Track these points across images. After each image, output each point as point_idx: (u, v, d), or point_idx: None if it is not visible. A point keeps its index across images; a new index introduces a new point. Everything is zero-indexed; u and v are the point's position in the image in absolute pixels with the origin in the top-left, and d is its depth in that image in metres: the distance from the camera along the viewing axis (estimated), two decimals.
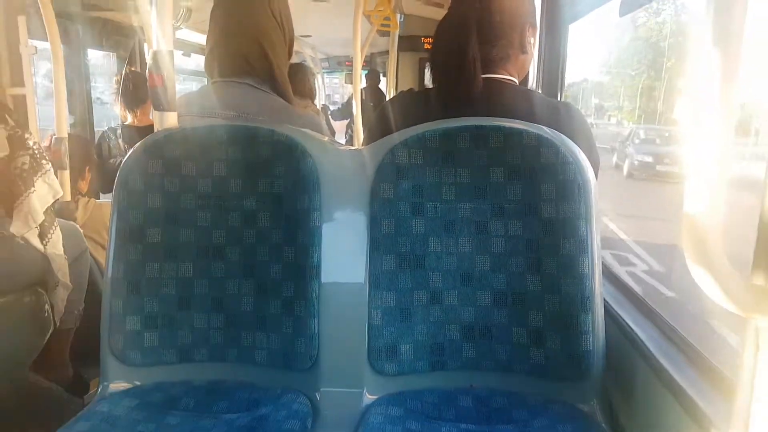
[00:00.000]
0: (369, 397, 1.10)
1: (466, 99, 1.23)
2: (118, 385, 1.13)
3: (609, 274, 1.30)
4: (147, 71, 1.21)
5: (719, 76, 0.53)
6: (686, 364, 0.90)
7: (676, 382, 0.86)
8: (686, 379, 0.85)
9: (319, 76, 7.17)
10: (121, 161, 1.20)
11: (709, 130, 0.54)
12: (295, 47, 1.69)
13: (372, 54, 6.04)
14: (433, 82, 1.31)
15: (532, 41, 1.33)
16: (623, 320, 1.09)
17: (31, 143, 1.54)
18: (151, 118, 2.87)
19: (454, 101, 1.24)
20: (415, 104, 1.37)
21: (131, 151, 1.17)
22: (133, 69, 3.03)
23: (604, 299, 1.10)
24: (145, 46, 3.23)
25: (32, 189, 1.52)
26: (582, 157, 1.08)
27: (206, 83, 1.54)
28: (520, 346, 1.10)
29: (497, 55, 1.25)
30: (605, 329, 1.06)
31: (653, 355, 0.95)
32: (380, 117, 1.37)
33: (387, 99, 5.17)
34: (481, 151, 1.11)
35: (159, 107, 1.19)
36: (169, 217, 1.16)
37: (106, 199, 2.58)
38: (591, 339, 1.04)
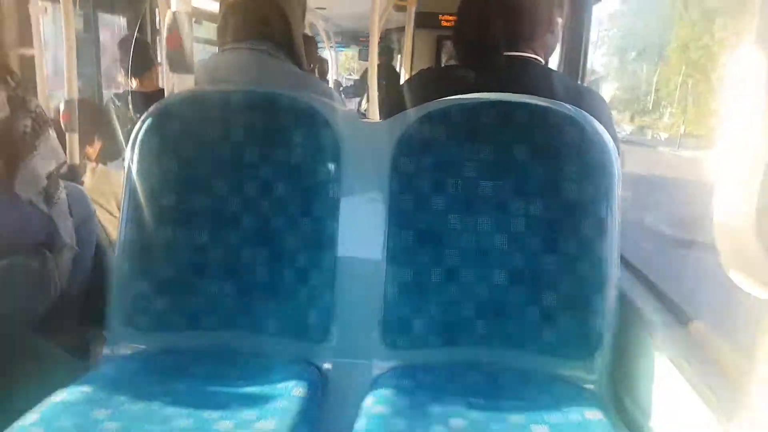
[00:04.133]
0: (379, 369, 1.11)
1: (488, 76, 1.20)
2: (125, 349, 1.13)
3: (624, 258, 1.29)
4: (165, 33, 1.18)
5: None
6: (697, 350, 0.90)
7: (685, 367, 0.86)
8: (696, 365, 0.85)
9: (332, 51, 7.09)
10: (129, 129, 1.18)
11: (746, 104, 0.52)
12: (309, 19, 1.65)
13: (387, 30, 5.95)
14: (456, 58, 1.29)
15: (559, 21, 1.30)
16: (636, 305, 1.09)
17: (32, 106, 1.52)
18: (158, 83, 2.86)
19: (476, 78, 1.22)
20: (436, 82, 1.34)
21: (146, 113, 1.14)
22: (137, 35, 3.00)
23: (619, 283, 1.09)
24: (156, 10, 3.18)
25: (35, 152, 1.49)
26: (607, 138, 1.07)
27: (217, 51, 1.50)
28: (532, 325, 1.10)
29: (522, 31, 1.22)
30: (618, 312, 1.06)
31: (665, 341, 0.95)
32: (400, 95, 1.35)
33: (400, 77, 5.10)
34: (505, 129, 1.10)
35: (176, 69, 1.17)
36: (183, 181, 1.14)
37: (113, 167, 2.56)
38: (603, 321, 1.05)
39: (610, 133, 1.12)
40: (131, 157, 1.13)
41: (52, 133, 1.58)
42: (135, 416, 0.90)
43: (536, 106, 1.08)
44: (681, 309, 1.05)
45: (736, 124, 0.54)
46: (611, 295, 1.05)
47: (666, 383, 0.92)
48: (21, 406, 0.94)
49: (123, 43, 2.95)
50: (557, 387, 1.04)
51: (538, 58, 1.27)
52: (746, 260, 0.57)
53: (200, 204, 1.15)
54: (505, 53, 1.24)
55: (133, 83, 2.84)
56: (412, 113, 1.13)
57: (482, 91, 1.15)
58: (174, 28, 1.14)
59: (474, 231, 1.11)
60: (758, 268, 0.57)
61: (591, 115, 1.12)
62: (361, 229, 1.13)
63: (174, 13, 1.15)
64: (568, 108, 1.08)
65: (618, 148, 1.18)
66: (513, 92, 1.13)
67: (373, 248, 1.12)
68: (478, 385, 1.06)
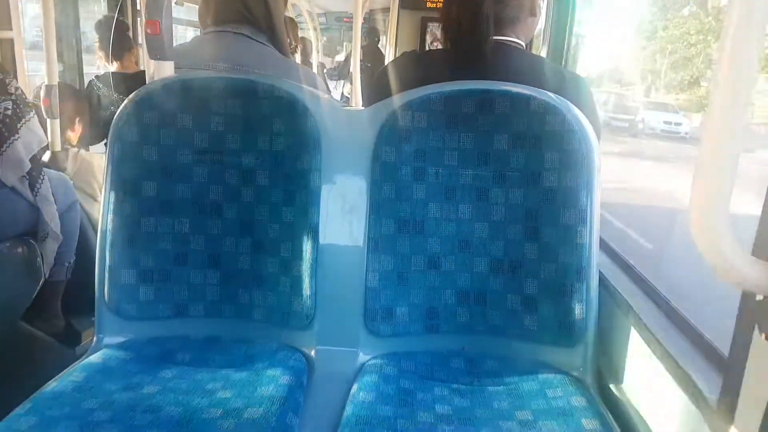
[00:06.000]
0: (364, 356, 1.12)
1: (474, 61, 1.20)
2: (113, 338, 1.14)
3: (604, 245, 1.30)
4: (143, 18, 1.16)
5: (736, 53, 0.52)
6: (679, 337, 0.92)
7: (668, 353, 0.87)
8: (678, 351, 0.87)
9: (315, 32, 6.99)
10: (112, 112, 1.17)
11: (721, 117, 0.53)
12: (292, 0, 1.64)
13: (372, 11, 5.88)
14: (443, 42, 1.28)
15: (540, 3, 1.30)
16: (617, 291, 1.10)
17: (12, 89, 1.49)
18: (140, 65, 2.82)
19: (461, 63, 1.21)
20: (419, 67, 1.33)
21: (126, 101, 1.13)
22: (117, 17, 2.95)
23: (599, 270, 1.10)
24: None
25: (16, 136, 1.47)
26: (588, 126, 1.07)
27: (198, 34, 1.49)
28: (513, 312, 1.11)
29: (508, 15, 1.22)
30: (599, 299, 1.08)
31: (646, 326, 0.96)
32: (382, 79, 1.34)
33: (386, 59, 5.05)
34: (486, 117, 1.10)
35: (155, 56, 1.15)
36: (164, 170, 1.14)
37: (95, 151, 2.53)
38: (584, 308, 1.06)
39: (592, 118, 1.13)
40: (111, 146, 1.12)
41: (34, 116, 1.56)
42: (125, 405, 0.91)
43: (517, 94, 1.08)
44: (659, 292, 1.07)
45: (715, 117, 0.55)
46: (593, 282, 1.07)
47: (647, 368, 0.93)
48: (13, 394, 0.95)
49: (100, 25, 2.91)
50: (541, 373, 1.05)
51: (520, 42, 1.27)
52: (716, 236, 0.58)
53: (182, 193, 1.15)
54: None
55: (114, 65, 2.80)
56: (394, 101, 1.13)
57: (465, 77, 1.15)
58: (153, 13, 1.13)
59: (455, 219, 1.12)
60: (732, 263, 0.59)
61: (574, 97, 1.12)
62: (344, 217, 1.13)
63: None
64: (550, 96, 1.08)
65: (599, 130, 1.19)
66: (495, 78, 1.13)
67: (355, 237, 1.13)
68: (462, 372, 1.07)
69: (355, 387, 1.00)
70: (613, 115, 16.39)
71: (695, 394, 0.77)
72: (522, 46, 1.28)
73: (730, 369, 0.69)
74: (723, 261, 0.58)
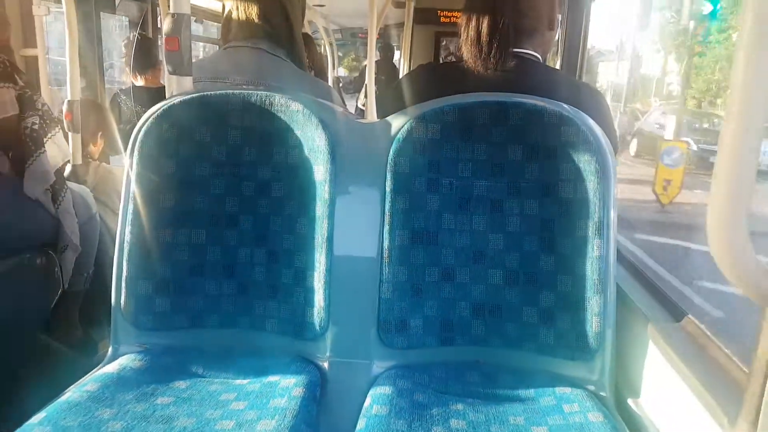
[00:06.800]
0: (377, 369, 1.11)
1: (492, 73, 1.20)
2: (128, 348, 1.14)
3: (622, 257, 1.29)
4: (163, 35, 1.19)
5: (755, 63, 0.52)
6: (698, 351, 0.90)
7: (687, 368, 0.85)
8: (697, 366, 0.85)
9: (331, 48, 7.08)
10: (133, 124, 1.19)
11: (741, 120, 0.53)
12: (307, 17, 1.67)
13: (386, 26, 5.93)
14: (463, 53, 1.28)
15: (559, 18, 1.30)
16: (635, 304, 1.09)
17: (39, 105, 1.54)
18: (162, 81, 2.89)
19: (479, 75, 1.21)
20: (435, 78, 1.34)
21: (145, 115, 1.16)
22: (143, 33, 3.02)
23: (617, 282, 1.09)
24: (158, 9, 3.20)
25: (42, 149, 1.52)
26: (603, 137, 1.07)
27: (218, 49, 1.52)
28: (529, 325, 1.10)
29: (527, 27, 1.22)
30: (616, 312, 1.06)
31: (665, 340, 0.94)
32: (397, 92, 1.34)
33: (399, 73, 5.08)
34: (500, 128, 1.10)
35: (174, 71, 1.18)
36: (182, 183, 1.16)
37: (116, 164, 2.58)
38: (602, 320, 1.04)
39: (608, 130, 1.12)
40: (131, 158, 1.15)
41: (59, 131, 1.60)
42: (138, 416, 0.92)
43: (532, 105, 1.08)
44: (677, 305, 1.06)
45: (731, 130, 0.55)
46: (610, 295, 1.05)
47: (666, 383, 0.91)
48: (28, 403, 0.96)
49: (129, 42, 2.98)
50: (557, 388, 1.04)
51: (537, 55, 1.27)
52: (734, 248, 0.57)
53: (199, 205, 1.16)
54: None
55: (139, 80, 2.87)
56: (407, 113, 1.13)
57: (481, 89, 1.15)
58: (172, 30, 1.16)
59: (469, 231, 1.11)
60: (752, 277, 0.58)
61: (590, 110, 1.12)
62: (357, 228, 1.14)
63: (172, 15, 1.16)
64: (565, 107, 1.08)
65: (616, 144, 1.18)
66: (511, 90, 1.13)
67: (369, 248, 1.13)
68: (477, 386, 1.06)
69: (368, 400, 0.99)
70: (709, 147, 11.27)
71: (715, 411, 0.76)
72: (538, 59, 1.28)
73: (750, 387, 0.67)
74: (743, 275, 0.58)
